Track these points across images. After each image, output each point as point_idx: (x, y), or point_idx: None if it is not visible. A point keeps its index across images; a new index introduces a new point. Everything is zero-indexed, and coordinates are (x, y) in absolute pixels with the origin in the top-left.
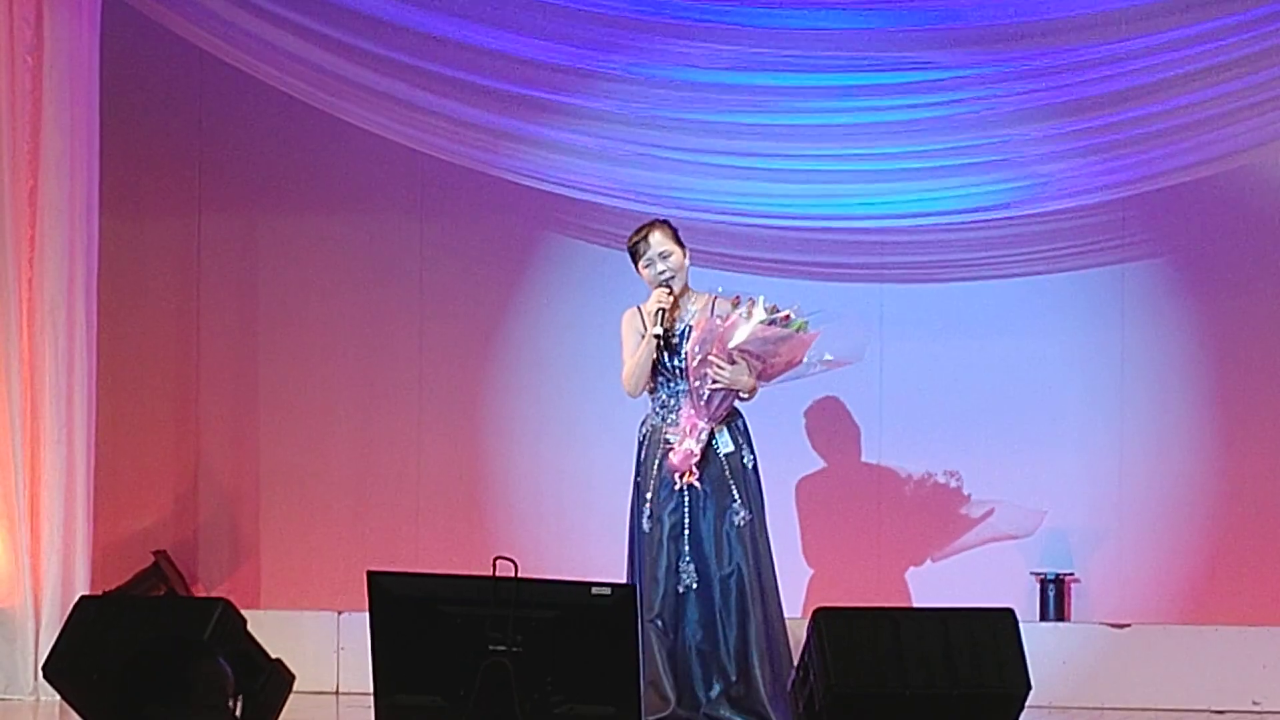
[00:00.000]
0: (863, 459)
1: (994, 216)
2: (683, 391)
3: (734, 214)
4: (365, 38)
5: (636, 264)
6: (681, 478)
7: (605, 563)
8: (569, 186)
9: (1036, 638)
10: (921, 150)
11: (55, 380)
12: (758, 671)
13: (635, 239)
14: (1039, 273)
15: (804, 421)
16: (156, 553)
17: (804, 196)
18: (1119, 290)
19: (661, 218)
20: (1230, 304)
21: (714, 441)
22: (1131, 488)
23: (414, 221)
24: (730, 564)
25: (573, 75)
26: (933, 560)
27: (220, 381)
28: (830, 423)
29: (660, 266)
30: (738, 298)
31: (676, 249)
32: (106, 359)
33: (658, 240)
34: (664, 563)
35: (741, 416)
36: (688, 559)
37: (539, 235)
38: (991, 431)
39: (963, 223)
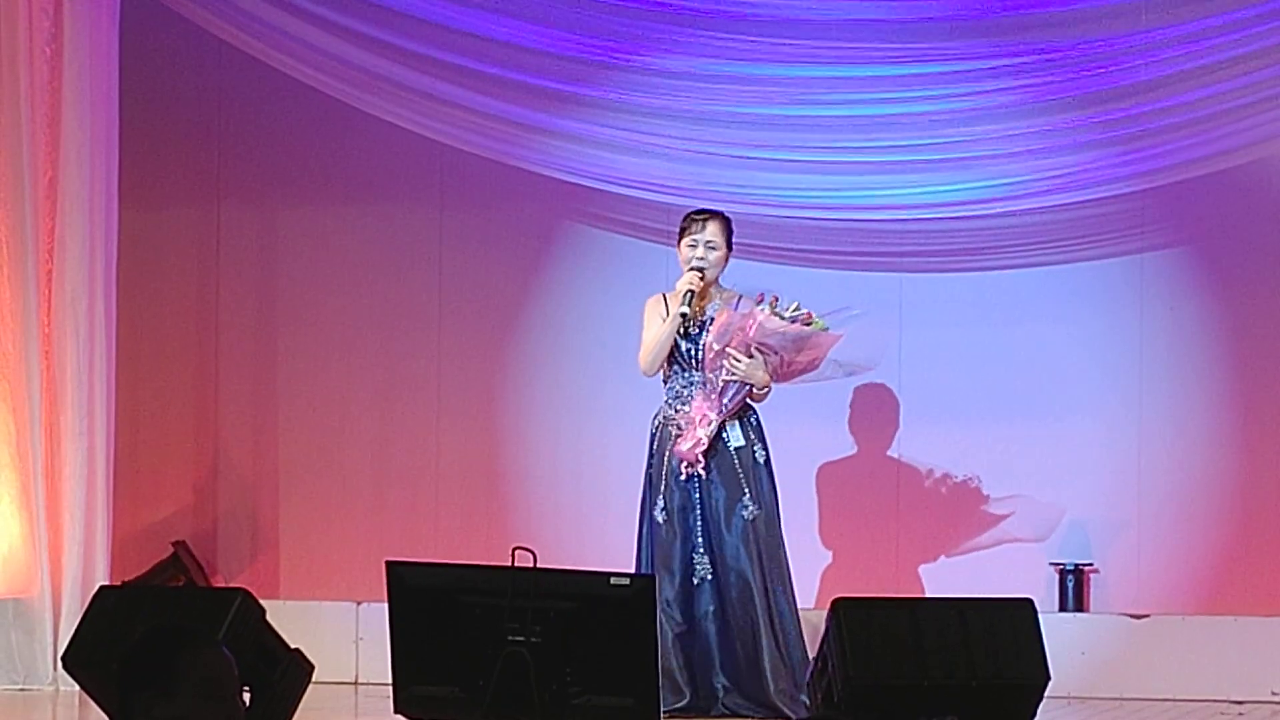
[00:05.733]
0: (880, 447)
1: (1014, 208)
2: (697, 382)
3: (754, 204)
4: (385, 29)
5: (681, 238)
6: (687, 466)
7: (624, 553)
8: (589, 178)
9: (1055, 628)
10: (942, 141)
11: (77, 372)
12: (767, 665)
13: (694, 218)
14: (1058, 262)
15: (822, 409)
16: (176, 543)
17: (824, 187)
18: (1138, 280)
19: (727, 215)
20: (1250, 294)
21: (725, 435)
22: (1150, 478)
23: (433, 211)
24: (738, 559)
25: (594, 67)
26: (951, 550)
27: (240, 372)
28: (847, 410)
29: (701, 251)
30: (762, 295)
31: (724, 247)
32: (126, 350)
33: (712, 230)
34: (678, 554)
35: (755, 411)
36: (701, 551)
37: (558, 226)
38: (1010, 421)
39: (982, 213)
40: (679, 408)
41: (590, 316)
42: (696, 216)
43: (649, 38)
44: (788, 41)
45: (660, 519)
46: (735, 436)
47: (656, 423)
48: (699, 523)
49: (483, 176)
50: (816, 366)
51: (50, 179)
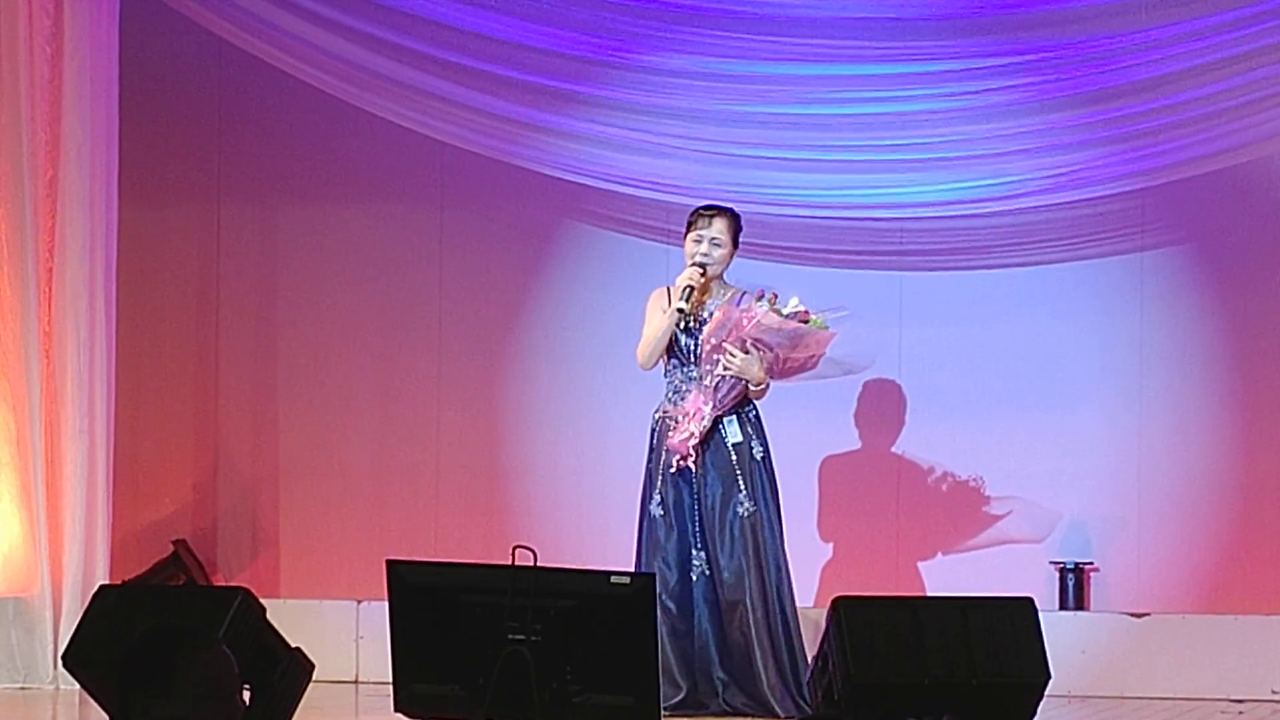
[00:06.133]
0: (881, 444)
1: (1013, 206)
2: (694, 377)
3: (754, 203)
4: (385, 28)
5: (687, 233)
6: (678, 459)
7: (624, 551)
8: (590, 176)
9: (1056, 627)
10: (942, 140)
11: (77, 370)
12: (759, 663)
13: (702, 213)
14: (1057, 261)
15: (825, 404)
16: (176, 542)
17: (825, 186)
18: (1138, 279)
19: (736, 211)
20: (1250, 292)
21: (722, 430)
22: (1150, 476)
23: (433, 210)
24: (732, 555)
25: (594, 66)
26: (951, 548)
27: (240, 371)
28: (852, 405)
29: (705, 248)
30: (761, 291)
31: (729, 244)
32: (126, 348)
33: (719, 227)
34: (674, 549)
35: (754, 407)
36: (699, 547)
37: (558, 224)
38: (1010, 419)
39: (982, 211)
40: (677, 403)
41: (590, 314)
42: (704, 212)
43: (650, 36)
44: (787, 40)
45: (657, 514)
46: (733, 432)
47: (656, 418)
48: (696, 518)
49: (483, 175)
50: (814, 365)
51: (50, 177)
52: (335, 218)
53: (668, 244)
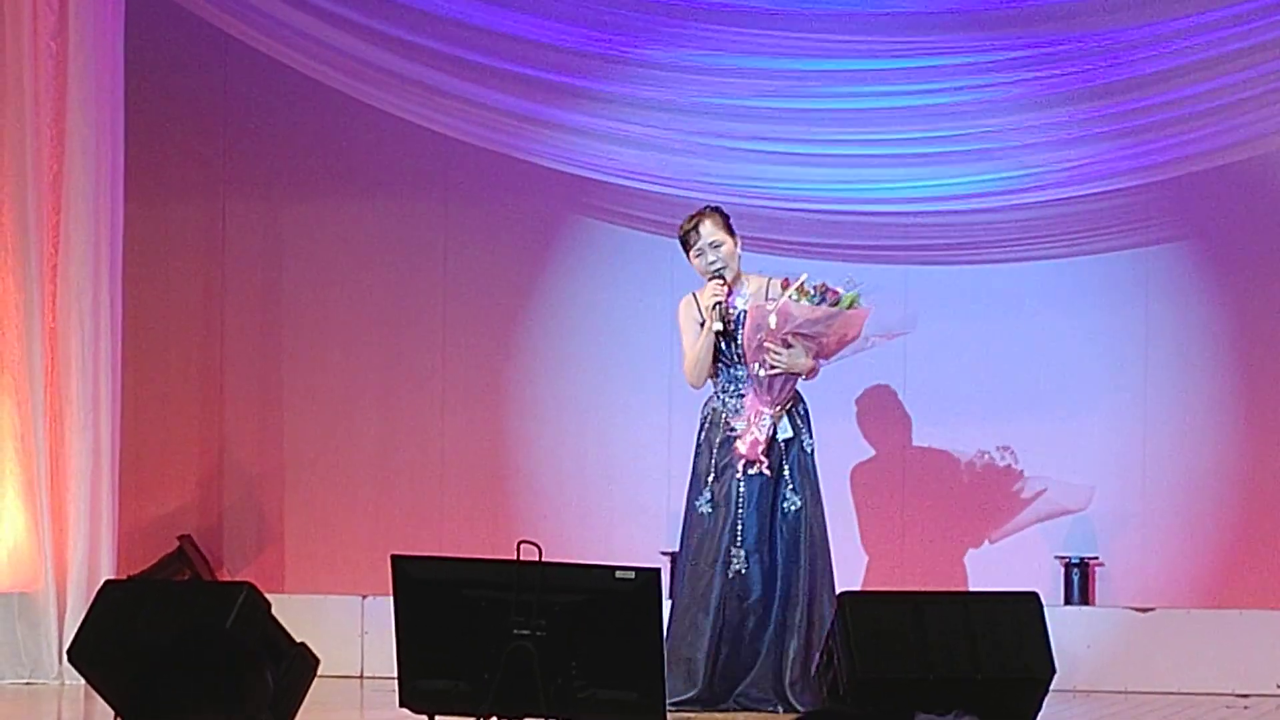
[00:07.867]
0: (885, 441)
1: (1018, 201)
2: (741, 377)
3: (762, 198)
4: (391, 23)
5: (688, 253)
6: (750, 466)
7: (628, 547)
8: (595, 170)
9: (1061, 621)
10: (948, 135)
11: (82, 366)
12: (790, 656)
13: (686, 228)
14: (1062, 256)
15: (825, 403)
16: (181, 537)
17: (830, 181)
18: (1143, 273)
19: (713, 205)
20: (1255, 287)
21: (774, 427)
22: (1156, 471)
23: (438, 205)
24: (779, 551)
25: (600, 60)
26: (956, 544)
27: (245, 366)
28: (854, 405)
29: (711, 256)
30: (787, 280)
31: (728, 238)
32: (131, 344)
33: (708, 230)
34: (718, 545)
35: (803, 402)
36: (739, 544)
37: (563, 219)
38: (1015, 414)
39: (986, 206)
40: (728, 401)
41: (594, 310)
42: (688, 225)
43: (655, 31)
44: (793, 35)
45: (705, 510)
46: (784, 428)
47: (705, 413)
48: (740, 515)
49: (487, 170)
50: (853, 339)
51: (55, 173)
52: (340, 213)
53: (672, 238)
